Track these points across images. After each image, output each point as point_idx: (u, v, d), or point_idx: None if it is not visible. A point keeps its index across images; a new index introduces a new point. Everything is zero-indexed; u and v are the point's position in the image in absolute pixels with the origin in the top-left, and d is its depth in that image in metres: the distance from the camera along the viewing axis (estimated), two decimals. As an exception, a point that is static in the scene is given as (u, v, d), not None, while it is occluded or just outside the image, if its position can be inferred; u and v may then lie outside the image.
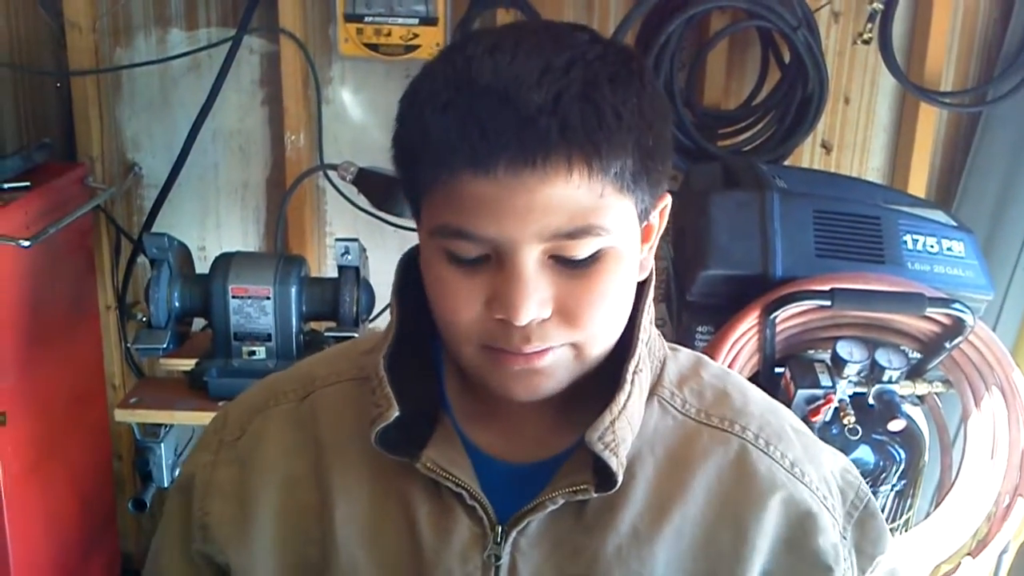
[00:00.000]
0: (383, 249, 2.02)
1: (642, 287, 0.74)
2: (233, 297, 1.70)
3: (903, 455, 1.49)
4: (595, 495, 0.70)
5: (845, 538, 0.76)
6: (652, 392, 0.76)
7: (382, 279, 1.87)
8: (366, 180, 1.80)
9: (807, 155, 2.07)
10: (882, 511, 0.92)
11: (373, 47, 1.90)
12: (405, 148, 0.68)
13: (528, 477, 0.74)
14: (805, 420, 1.37)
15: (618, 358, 0.72)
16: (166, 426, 1.80)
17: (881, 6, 1.87)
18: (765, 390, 0.83)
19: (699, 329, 1.61)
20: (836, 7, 1.99)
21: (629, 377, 0.72)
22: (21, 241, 1.62)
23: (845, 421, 1.45)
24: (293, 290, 1.71)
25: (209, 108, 2.01)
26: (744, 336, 1.51)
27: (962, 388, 1.53)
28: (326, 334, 1.79)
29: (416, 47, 1.89)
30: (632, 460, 0.72)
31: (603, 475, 0.70)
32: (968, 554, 1.49)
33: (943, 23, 1.93)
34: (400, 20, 1.87)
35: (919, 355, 1.55)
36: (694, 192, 1.66)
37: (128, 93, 2.07)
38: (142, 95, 2.07)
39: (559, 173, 0.62)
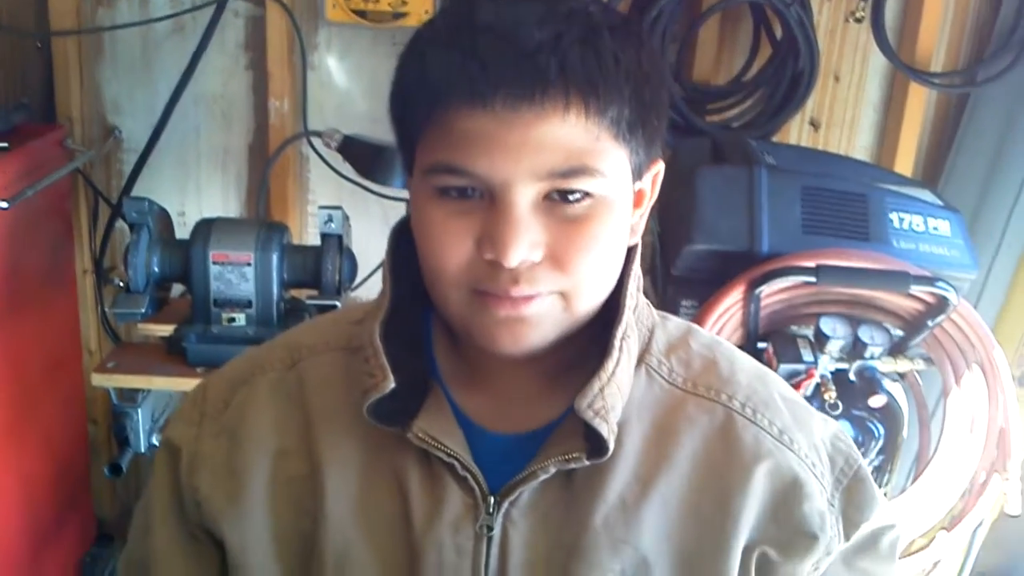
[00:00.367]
0: (366, 218, 2.00)
1: (630, 254, 0.74)
2: (213, 263, 1.68)
3: (882, 431, 1.50)
4: (587, 463, 0.69)
5: (833, 505, 0.76)
6: (640, 360, 0.76)
7: (364, 248, 1.86)
8: (351, 148, 1.79)
9: (795, 132, 2.06)
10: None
11: (361, 13, 1.87)
12: (403, 91, 0.68)
13: (518, 446, 0.73)
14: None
15: (606, 326, 0.72)
16: (143, 391, 1.79)
17: (874, -16, 1.86)
18: (749, 363, 0.82)
19: (683, 303, 1.60)
20: (829, -16, 1.98)
21: (617, 343, 0.71)
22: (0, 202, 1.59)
23: (826, 396, 1.46)
24: (275, 257, 1.69)
25: (192, 72, 1.98)
26: (728, 311, 1.51)
27: (943, 365, 1.54)
28: (308, 302, 1.77)
29: (404, 14, 1.86)
30: (619, 429, 0.71)
31: (594, 442, 0.69)
32: (943, 528, 1.51)
33: (935, 4, 1.92)
34: (388, -14, 1.85)
35: (901, 332, 1.55)
36: (682, 166, 1.65)
37: (110, 55, 2.03)
38: (124, 57, 2.03)
39: (556, 110, 0.62)
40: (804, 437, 0.76)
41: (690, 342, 0.79)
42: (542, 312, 0.67)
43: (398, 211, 1.99)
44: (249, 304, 1.70)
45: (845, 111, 2.07)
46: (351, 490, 0.73)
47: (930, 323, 1.51)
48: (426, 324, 0.78)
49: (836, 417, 1.46)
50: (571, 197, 0.65)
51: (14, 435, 1.78)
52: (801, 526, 0.74)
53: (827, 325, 1.49)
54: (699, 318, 1.51)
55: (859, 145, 2.09)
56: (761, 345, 1.53)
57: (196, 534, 0.78)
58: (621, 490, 0.72)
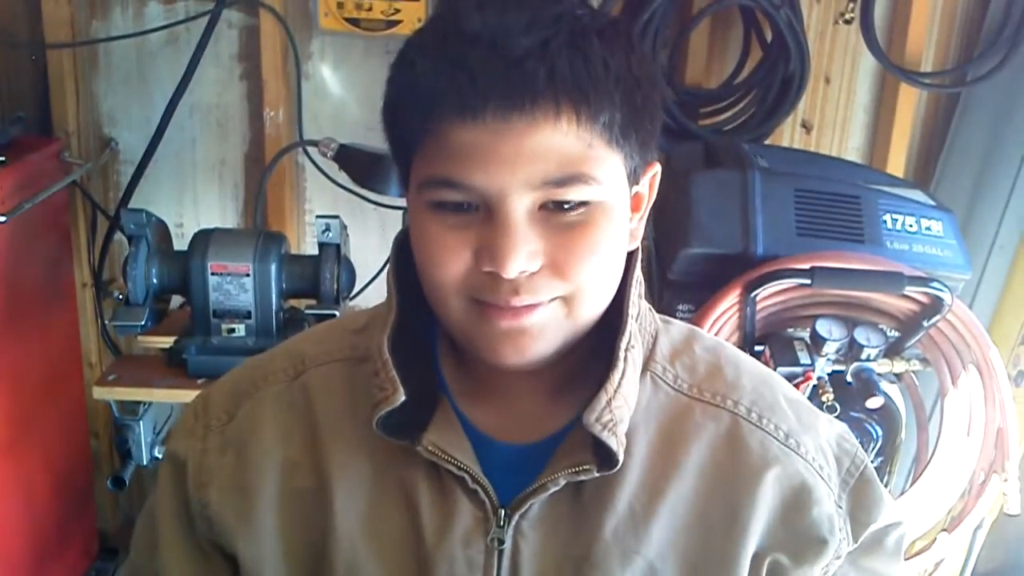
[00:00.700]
0: (363, 226, 2.01)
1: (631, 259, 0.73)
2: (212, 274, 1.68)
3: (880, 432, 1.51)
4: (597, 475, 0.69)
5: (840, 507, 0.76)
6: (644, 367, 0.76)
7: (362, 256, 1.86)
8: (347, 157, 1.79)
9: (787, 134, 2.08)
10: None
11: (354, 22, 1.88)
12: (394, 104, 0.68)
13: (525, 457, 0.73)
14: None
15: (609, 334, 0.72)
16: (144, 404, 1.79)
17: (863, -14, 1.88)
18: (748, 366, 0.82)
19: (680, 307, 1.61)
20: (818, -14, 1.99)
21: (621, 354, 0.71)
22: (-3, 216, 1.60)
23: (823, 398, 1.46)
24: (273, 267, 1.69)
25: (187, 83, 1.98)
26: (725, 314, 1.52)
27: (939, 366, 1.55)
28: (306, 312, 1.78)
29: (397, 22, 1.87)
30: (627, 438, 0.71)
31: (603, 454, 0.69)
32: (943, 530, 1.51)
33: (924, 4, 1.94)
34: (381, -5, 1.85)
35: (897, 333, 1.56)
36: (676, 171, 1.66)
37: (105, 67, 2.03)
38: (119, 69, 2.03)
39: (547, 118, 0.62)
40: (811, 440, 0.76)
41: (694, 347, 0.79)
42: (544, 320, 0.67)
43: (395, 219, 1.99)
44: (248, 315, 1.70)
45: (836, 113, 2.08)
46: (360, 504, 0.73)
47: (925, 324, 1.51)
48: (432, 334, 0.78)
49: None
50: (567, 206, 0.65)
51: (15, 449, 1.78)
52: (811, 531, 0.74)
53: (823, 327, 1.49)
54: (696, 322, 1.52)
55: (851, 146, 2.11)
56: (758, 348, 1.54)
57: (205, 549, 0.78)
58: (630, 500, 0.72)
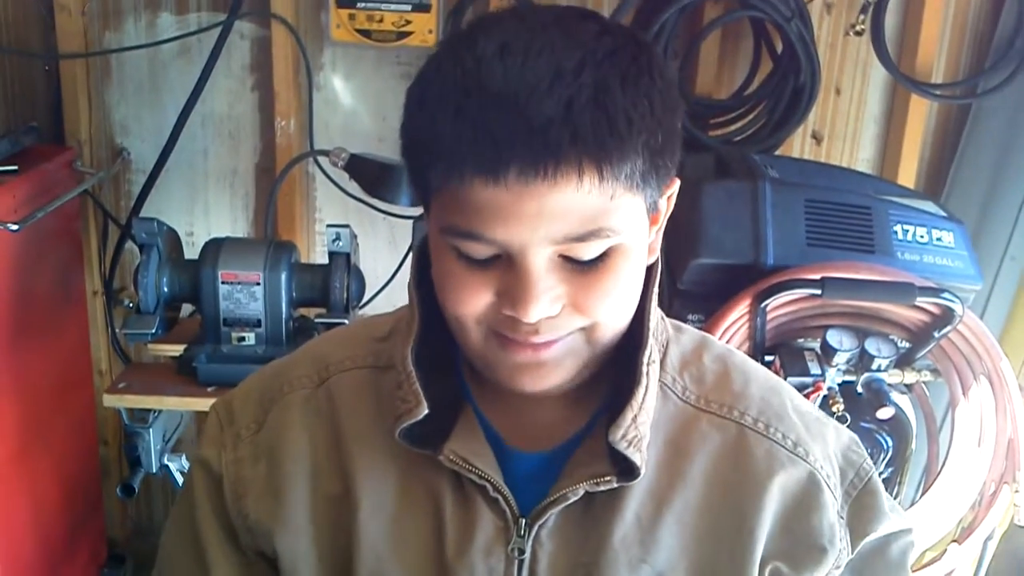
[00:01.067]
0: (372, 236, 2.02)
1: (650, 270, 0.73)
2: (223, 283, 1.69)
3: (891, 443, 1.50)
4: (616, 485, 0.70)
5: (842, 517, 0.76)
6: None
7: (372, 265, 1.87)
8: (358, 166, 1.80)
9: (798, 145, 2.07)
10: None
11: (365, 33, 1.89)
12: (415, 145, 0.67)
13: (543, 465, 0.74)
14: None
15: (625, 341, 0.72)
16: (154, 412, 1.79)
17: (874, -2, 1.88)
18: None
19: (690, 317, 1.61)
20: (829, -2, 2.00)
21: (644, 370, 0.72)
22: (10, 225, 1.60)
23: (834, 409, 1.46)
24: (283, 276, 1.70)
25: (199, 93, 1.99)
26: (735, 324, 1.52)
27: (950, 377, 1.54)
28: (316, 320, 1.78)
29: (408, 33, 1.88)
30: None
31: (622, 464, 0.70)
32: (954, 541, 1.51)
33: (935, 15, 1.94)
34: (393, 6, 1.86)
35: (908, 344, 1.55)
36: (687, 181, 1.64)
37: (117, 77, 2.05)
38: (131, 79, 2.05)
39: (570, 180, 0.61)
40: (819, 448, 0.76)
41: (703, 356, 0.80)
42: (564, 351, 0.68)
43: (405, 229, 2.00)
44: (259, 323, 1.71)
45: (847, 124, 2.08)
46: (387, 510, 0.74)
47: (936, 334, 1.51)
48: (454, 342, 0.77)
49: (844, 429, 1.46)
50: (586, 257, 0.65)
51: (25, 457, 1.79)
52: (812, 538, 0.74)
53: (834, 338, 1.49)
54: (706, 332, 1.51)
55: (861, 158, 2.10)
56: (768, 358, 1.54)
57: (251, 560, 0.79)
58: (636, 509, 0.72)
